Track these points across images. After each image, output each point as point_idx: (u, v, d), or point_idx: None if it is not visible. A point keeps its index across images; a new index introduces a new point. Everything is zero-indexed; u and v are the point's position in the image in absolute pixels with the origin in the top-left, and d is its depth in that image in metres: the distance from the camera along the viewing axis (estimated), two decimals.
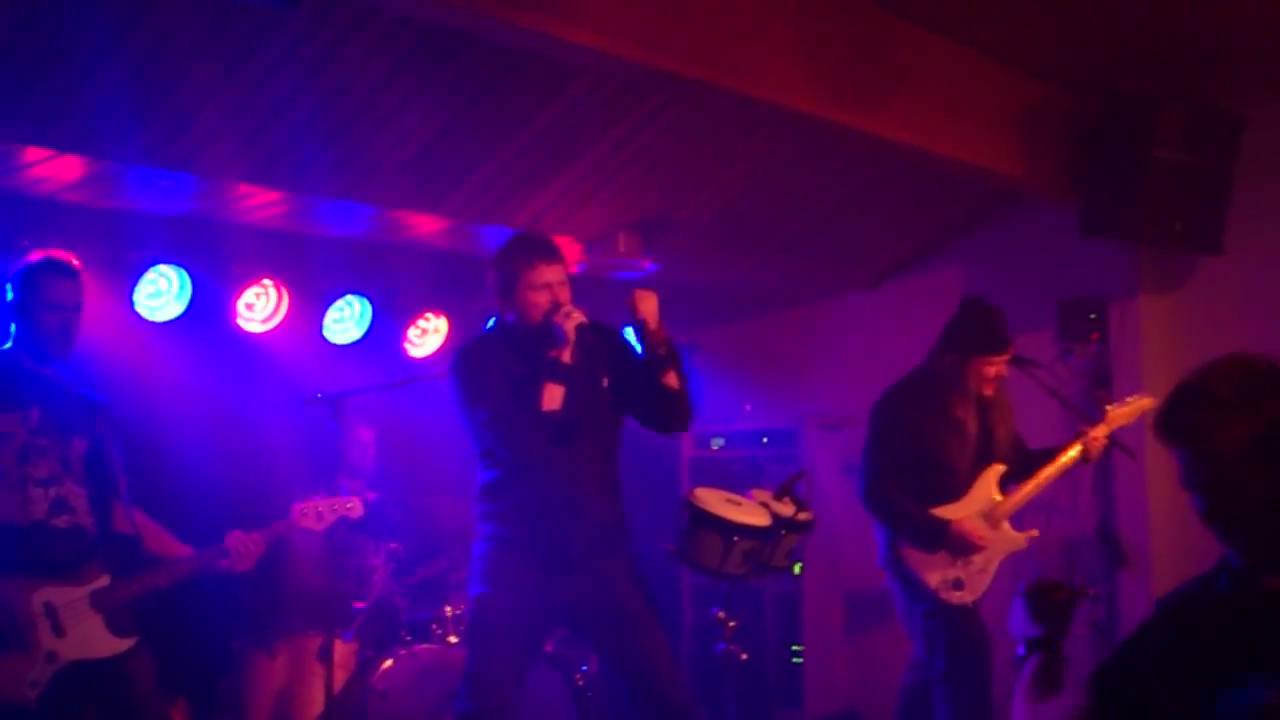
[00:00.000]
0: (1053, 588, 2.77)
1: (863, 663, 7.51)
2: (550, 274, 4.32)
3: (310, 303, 6.64)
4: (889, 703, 5.58)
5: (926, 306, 5.78)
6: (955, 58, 5.77)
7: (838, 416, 7.58)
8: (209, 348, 6.36)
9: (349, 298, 6.79)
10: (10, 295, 4.25)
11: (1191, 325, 6.62)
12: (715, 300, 8.22)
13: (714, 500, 4.64)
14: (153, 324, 6.06)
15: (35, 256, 4.27)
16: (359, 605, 5.79)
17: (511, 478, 4.32)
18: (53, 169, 5.05)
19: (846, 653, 7.63)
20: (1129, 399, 5.56)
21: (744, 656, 4.90)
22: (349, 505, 4.79)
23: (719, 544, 4.56)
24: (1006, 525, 5.26)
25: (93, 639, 4.16)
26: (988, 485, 5.26)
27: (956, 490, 5.22)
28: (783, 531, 4.73)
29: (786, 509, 4.77)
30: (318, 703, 5.46)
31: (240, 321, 6.40)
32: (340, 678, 5.54)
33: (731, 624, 4.85)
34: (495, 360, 4.34)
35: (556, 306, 4.29)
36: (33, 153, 4.85)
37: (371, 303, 6.84)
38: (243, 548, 4.43)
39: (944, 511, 5.14)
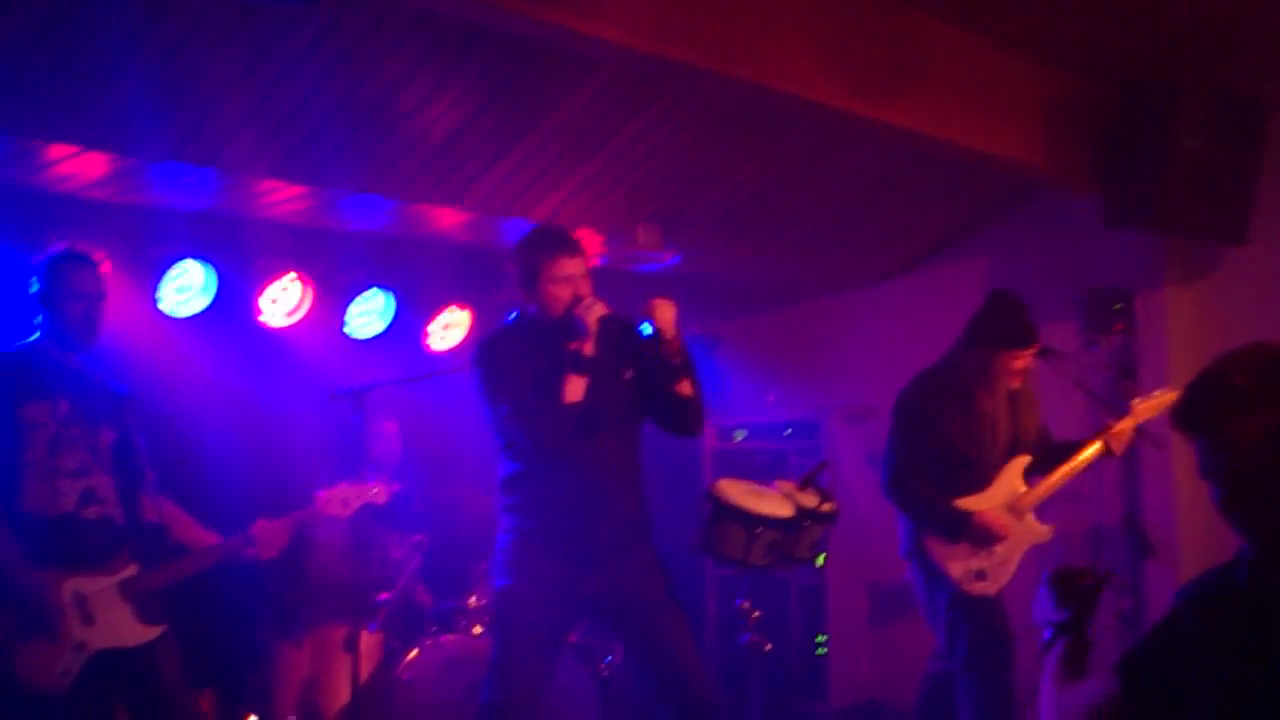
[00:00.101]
0: (1078, 573, 2.76)
1: (887, 654, 7.50)
2: (572, 267, 4.33)
3: (333, 297, 6.67)
4: (913, 694, 5.56)
5: (950, 297, 5.77)
6: (975, 48, 5.76)
7: (861, 408, 7.57)
8: (233, 342, 6.40)
9: (372, 291, 6.82)
10: (35, 287, 4.30)
11: (1216, 315, 6.58)
12: (737, 292, 8.21)
13: (737, 492, 4.65)
14: (178, 319, 6.10)
15: (57, 248, 4.31)
16: (384, 596, 5.82)
17: (534, 470, 4.34)
18: (77, 166, 5.08)
19: (870, 644, 7.62)
20: (1155, 393, 5.52)
21: (768, 647, 4.91)
22: (374, 491, 4.82)
23: (742, 535, 4.56)
24: (1030, 517, 5.24)
25: (122, 628, 4.20)
26: (1012, 477, 5.24)
27: (980, 482, 5.20)
28: (806, 523, 4.73)
29: (810, 500, 4.77)
30: (344, 693, 5.49)
31: (264, 316, 6.42)
32: (366, 668, 5.57)
33: (755, 615, 4.86)
34: (517, 352, 4.35)
35: (578, 299, 4.30)
36: (57, 150, 4.88)
37: (394, 296, 6.87)
38: (268, 535, 4.46)
39: (967, 503, 5.13)
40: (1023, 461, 5.27)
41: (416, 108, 5.16)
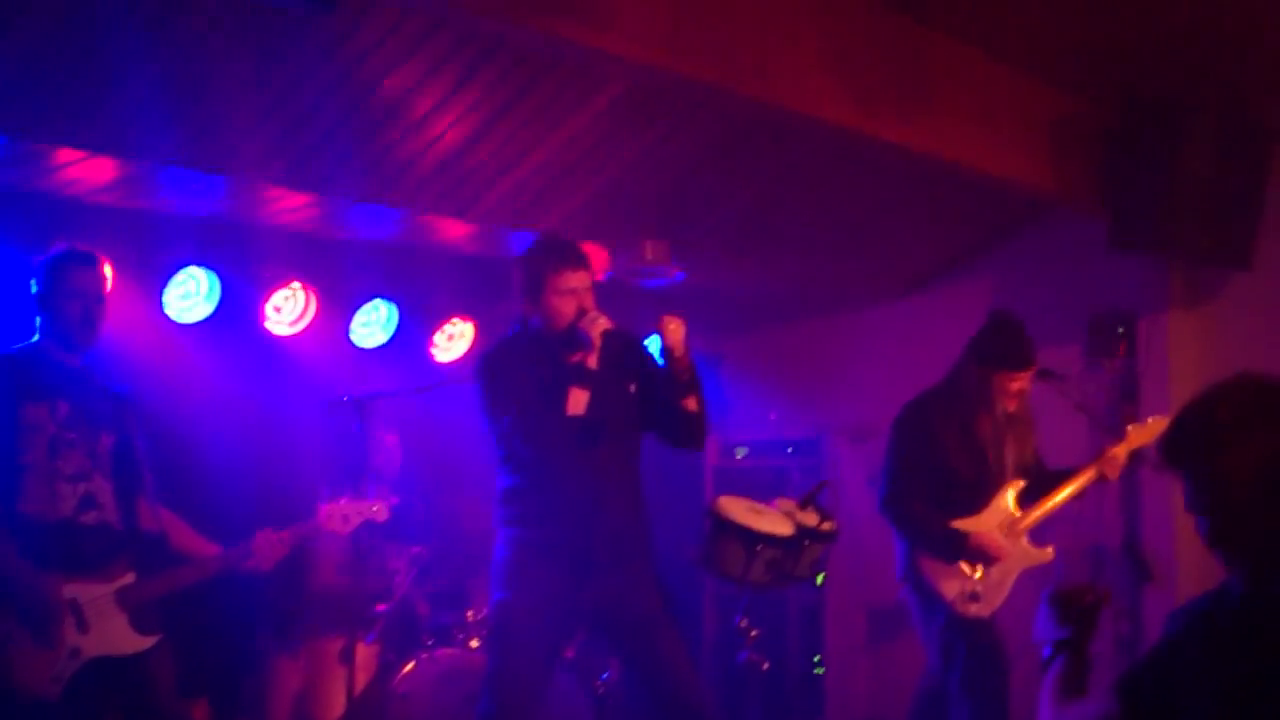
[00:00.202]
0: (1079, 591, 2.76)
1: (884, 674, 7.48)
2: (576, 280, 4.33)
3: (338, 306, 6.67)
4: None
5: (954, 318, 5.76)
6: (985, 69, 5.76)
7: (863, 427, 7.56)
8: (237, 349, 6.40)
9: (377, 301, 6.81)
10: (35, 288, 4.29)
11: (1220, 340, 6.58)
12: (742, 308, 8.21)
13: (738, 509, 4.64)
14: (182, 325, 6.10)
15: (57, 249, 4.31)
16: (381, 608, 5.81)
17: (534, 482, 4.33)
18: (84, 170, 5.09)
19: (868, 664, 7.60)
20: (1149, 420, 5.54)
21: (765, 666, 4.90)
22: (375, 509, 4.81)
23: (742, 553, 4.56)
24: (1025, 540, 5.25)
25: (116, 636, 4.18)
26: (1007, 500, 5.26)
27: (976, 504, 5.21)
28: (806, 541, 4.73)
29: (810, 519, 4.76)
30: (339, 704, 5.47)
31: (268, 324, 6.43)
32: (361, 680, 5.55)
33: (753, 633, 4.86)
34: (520, 364, 4.35)
35: (583, 313, 4.31)
36: (65, 154, 4.89)
37: (399, 307, 6.87)
38: (269, 547, 4.45)
39: (963, 524, 5.13)
40: (1017, 485, 5.28)
41: (425, 118, 5.16)
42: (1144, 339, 6.72)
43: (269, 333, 6.44)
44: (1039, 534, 5.33)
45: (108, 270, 5.28)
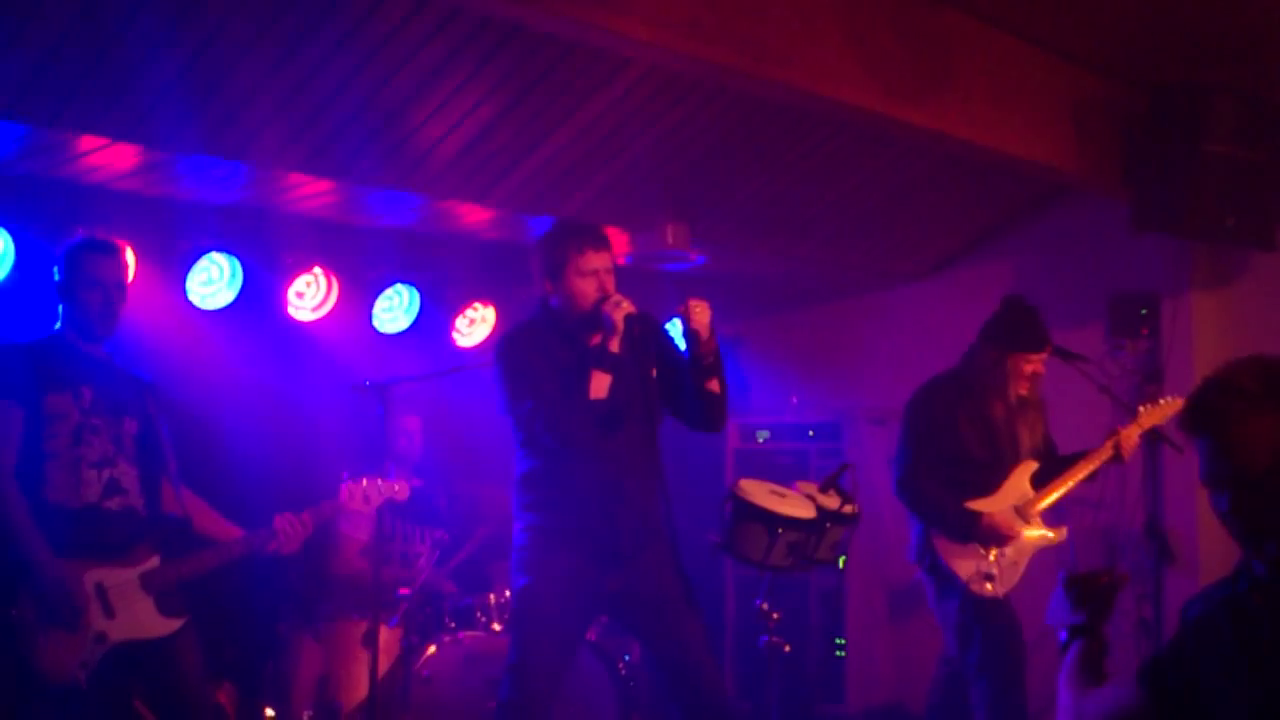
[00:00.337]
0: (1094, 575, 2.74)
1: (906, 657, 7.48)
2: (599, 261, 4.34)
3: (360, 292, 6.69)
4: None
5: (976, 300, 5.74)
6: (1006, 50, 5.74)
7: (884, 410, 7.55)
8: (260, 335, 6.42)
9: (398, 287, 6.82)
10: (56, 276, 4.31)
11: (1243, 321, 6.55)
12: (763, 292, 8.20)
13: (759, 492, 4.64)
14: (204, 312, 6.11)
15: (77, 237, 4.33)
16: (404, 591, 5.83)
17: (554, 466, 4.33)
18: (106, 157, 5.10)
19: (890, 646, 7.60)
20: (1162, 400, 5.58)
21: (787, 649, 4.90)
22: (396, 487, 4.85)
23: (763, 536, 4.55)
24: (1039, 520, 5.28)
25: (142, 620, 4.21)
26: (1020, 481, 5.30)
27: (989, 485, 5.24)
28: (828, 524, 4.73)
29: (832, 502, 4.76)
30: (362, 687, 5.50)
31: (291, 310, 6.44)
32: (384, 663, 5.58)
33: (775, 616, 4.85)
34: (542, 347, 4.35)
35: (605, 296, 4.31)
36: (87, 141, 4.90)
37: (420, 292, 6.88)
38: (291, 529, 4.47)
39: (977, 505, 5.16)
40: (1031, 466, 5.32)
41: (445, 103, 5.16)
42: (1167, 320, 6.70)
43: (291, 318, 6.46)
44: (1057, 516, 5.34)
45: (130, 257, 5.32)
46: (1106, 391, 5.90)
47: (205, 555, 4.38)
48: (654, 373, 4.44)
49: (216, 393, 6.09)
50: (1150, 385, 6.64)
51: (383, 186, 5.62)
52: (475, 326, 7.26)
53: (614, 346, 4.28)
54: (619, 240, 6.43)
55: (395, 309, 6.87)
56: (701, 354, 4.33)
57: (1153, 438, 5.52)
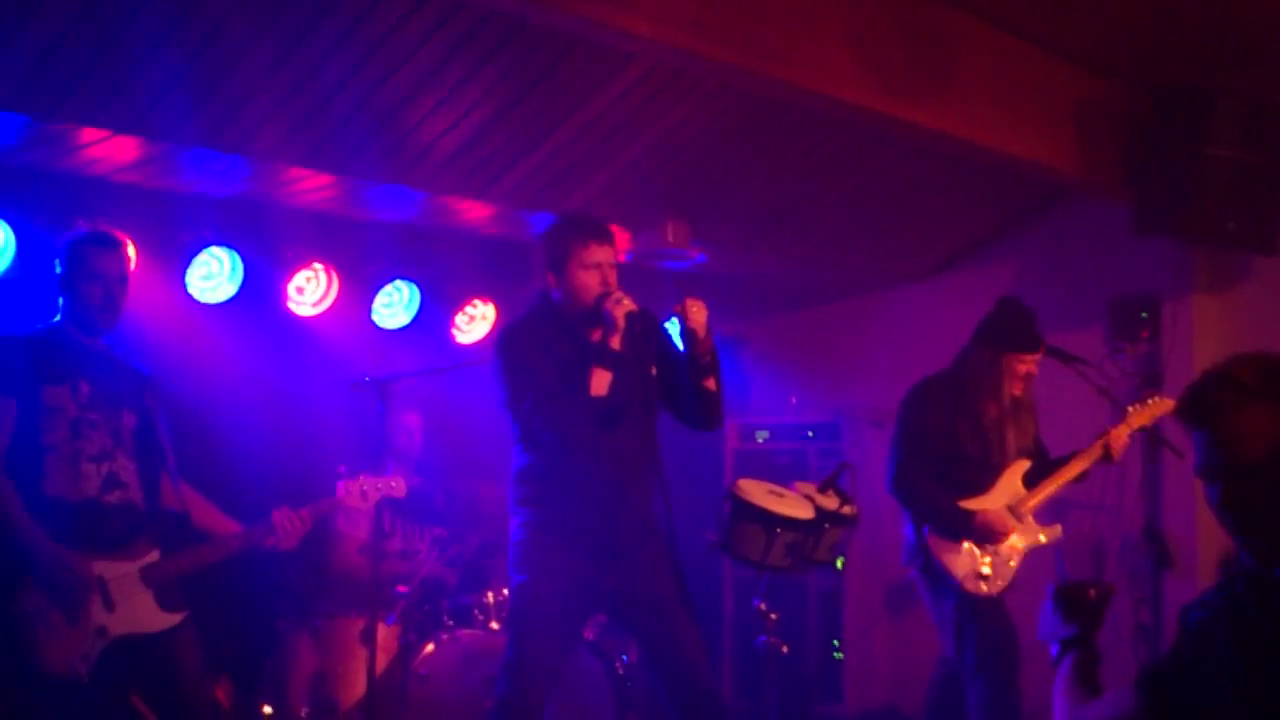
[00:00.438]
0: (1083, 587, 2.74)
1: (903, 657, 7.48)
2: (602, 254, 4.33)
3: (360, 287, 6.68)
4: None
5: (977, 302, 5.73)
6: (1008, 50, 5.74)
7: (884, 411, 7.51)
8: (259, 330, 6.41)
9: (398, 283, 6.82)
10: (58, 269, 4.30)
11: (1243, 324, 6.55)
12: (763, 291, 8.20)
13: (757, 492, 4.64)
14: (204, 305, 6.11)
15: (78, 230, 4.32)
16: (402, 589, 5.83)
17: (552, 462, 4.32)
18: (108, 150, 5.10)
19: (887, 647, 7.60)
20: (1150, 400, 5.56)
21: (784, 649, 4.90)
22: (393, 484, 4.84)
23: (762, 536, 4.56)
24: (1031, 520, 5.30)
25: (142, 614, 4.20)
26: (1013, 480, 5.31)
27: (982, 484, 5.26)
28: (826, 525, 4.73)
29: (830, 502, 4.76)
30: (359, 685, 5.49)
31: (291, 304, 6.44)
32: (382, 660, 5.57)
33: (773, 616, 4.85)
34: (542, 342, 4.34)
35: (607, 292, 4.30)
36: (89, 133, 4.89)
37: (420, 288, 6.87)
38: (289, 524, 4.46)
39: (970, 503, 5.18)
40: (1023, 465, 5.34)
41: (445, 100, 5.16)
42: (1168, 323, 6.69)
43: (291, 313, 6.45)
44: (1052, 515, 5.35)
45: (131, 250, 5.31)
46: (1105, 394, 5.90)
47: (204, 549, 4.37)
48: (654, 370, 4.44)
49: (216, 387, 6.08)
50: (1150, 388, 6.62)
51: (383, 181, 5.62)
52: (475, 323, 7.26)
53: (615, 343, 4.27)
54: (620, 238, 6.42)
55: (395, 305, 6.87)
56: (698, 353, 4.33)
57: (1153, 442, 5.52)
